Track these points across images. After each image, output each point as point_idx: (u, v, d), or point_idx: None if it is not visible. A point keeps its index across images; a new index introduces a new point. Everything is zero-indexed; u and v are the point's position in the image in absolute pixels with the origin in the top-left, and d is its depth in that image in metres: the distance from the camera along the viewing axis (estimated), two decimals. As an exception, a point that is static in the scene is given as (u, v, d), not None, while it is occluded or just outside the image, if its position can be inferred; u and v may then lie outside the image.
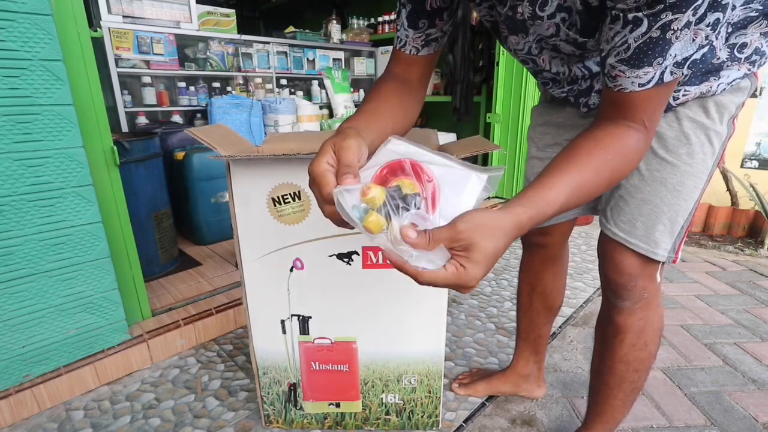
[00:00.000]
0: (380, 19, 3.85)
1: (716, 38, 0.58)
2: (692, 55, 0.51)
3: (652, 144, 0.73)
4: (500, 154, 2.97)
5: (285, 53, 3.38)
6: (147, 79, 2.74)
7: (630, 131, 0.56)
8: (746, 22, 0.64)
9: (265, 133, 2.92)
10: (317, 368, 1.05)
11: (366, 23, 3.94)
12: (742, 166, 2.59)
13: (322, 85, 3.57)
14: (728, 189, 2.56)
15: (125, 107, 2.60)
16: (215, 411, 1.20)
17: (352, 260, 0.96)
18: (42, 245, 1.13)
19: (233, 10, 3.04)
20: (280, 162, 0.87)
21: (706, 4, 0.46)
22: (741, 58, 0.66)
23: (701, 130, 0.71)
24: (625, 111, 0.56)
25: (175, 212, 2.01)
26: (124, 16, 2.51)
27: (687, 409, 1.20)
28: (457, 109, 3.10)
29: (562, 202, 0.54)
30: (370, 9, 4.07)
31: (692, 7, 0.46)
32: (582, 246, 2.42)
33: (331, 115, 3.55)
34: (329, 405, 1.10)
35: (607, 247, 0.82)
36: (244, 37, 3.10)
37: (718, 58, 0.66)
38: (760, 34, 0.64)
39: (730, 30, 0.65)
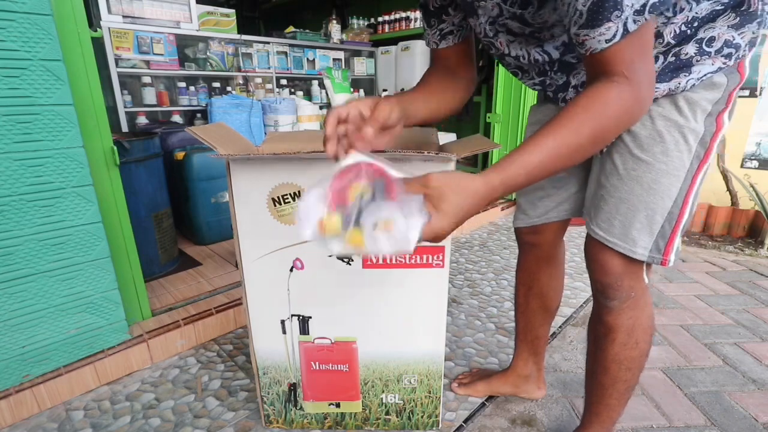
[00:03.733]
0: (380, 19, 3.85)
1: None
2: (639, 7, 0.53)
3: (627, 143, 0.74)
4: (500, 153, 2.97)
5: (285, 53, 3.38)
6: (147, 79, 2.74)
7: (608, 84, 0.57)
8: (714, 15, 0.64)
9: (265, 133, 2.92)
10: (317, 368, 1.05)
11: (366, 23, 3.94)
12: (742, 166, 2.59)
13: (322, 85, 3.57)
14: (728, 189, 2.56)
15: (125, 107, 2.60)
16: (215, 411, 1.20)
17: (352, 260, 0.96)
18: (42, 245, 1.13)
19: (233, 10, 3.04)
20: (280, 162, 0.87)
21: None
22: (711, 52, 0.65)
23: (675, 128, 0.71)
24: (603, 68, 0.58)
25: (175, 212, 2.01)
26: (124, 16, 2.51)
27: (687, 409, 1.20)
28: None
29: (536, 163, 0.57)
30: (370, 9, 4.07)
31: None
32: (582, 246, 2.42)
33: (331, 114, 3.54)
34: (329, 405, 1.10)
35: (591, 247, 0.83)
36: (244, 37, 3.10)
37: (687, 54, 0.66)
38: (728, 26, 0.64)
39: (696, 24, 0.65)
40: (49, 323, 1.19)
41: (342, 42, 3.76)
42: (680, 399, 1.24)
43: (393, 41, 3.67)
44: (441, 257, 0.95)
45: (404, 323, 1.01)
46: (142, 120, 2.70)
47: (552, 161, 0.58)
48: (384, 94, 3.77)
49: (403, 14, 3.66)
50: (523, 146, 0.58)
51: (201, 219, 2.16)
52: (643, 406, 1.21)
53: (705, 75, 0.67)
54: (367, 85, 3.99)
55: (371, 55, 3.94)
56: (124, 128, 2.60)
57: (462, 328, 1.61)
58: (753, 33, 0.64)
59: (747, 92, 2.49)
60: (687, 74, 0.67)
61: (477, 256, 2.31)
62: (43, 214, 1.12)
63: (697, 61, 0.66)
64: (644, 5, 0.53)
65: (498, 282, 1.99)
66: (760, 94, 2.46)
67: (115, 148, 1.28)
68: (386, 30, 3.81)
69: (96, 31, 2.39)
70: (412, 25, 3.62)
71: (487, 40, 0.78)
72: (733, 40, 0.64)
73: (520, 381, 1.20)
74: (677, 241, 0.77)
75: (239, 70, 3.15)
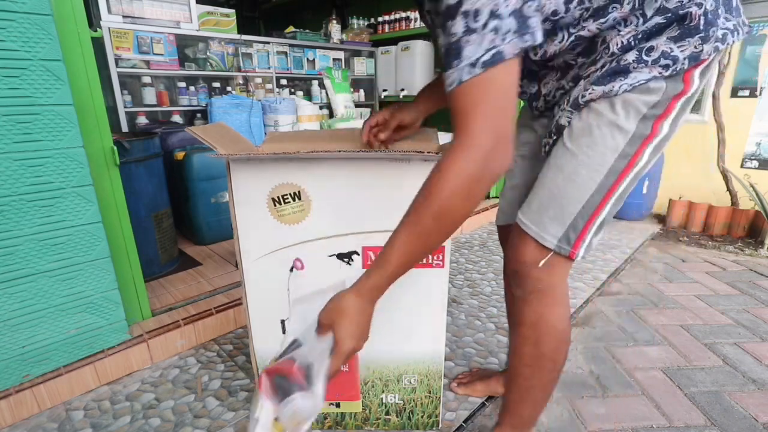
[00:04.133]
0: (380, 19, 3.84)
1: (503, 42, 0.56)
2: (482, 56, 0.56)
3: (563, 134, 0.75)
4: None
5: (285, 53, 3.38)
6: (147, 79, 2.74)
7: (451, 154, 0.59)
8: (660, 29, 0.66)
9: (265, 133, 2.92)
10: (317, 368, 1.05)
11: (366, 23, 3.93)
12: (742, 166, 2.59)
13: (322, 85, 3.57)
14: (728, 189, 2.57)
15: (125, 107, 2.60)
16: (215, 411, 1.20)
17: (352, 260, 0.96)
18: (42, 245, 1.13)
19: (233, 10, 3.04)
20: (280, 162, 0.87)
21: (484, 15, 0.54)
22: (648, 61, 0.66)
23: (605, 124, 0.70)
24: (452, 114, 0.60)
25: (175, 212, 2.01)
26: (124, 16, 2.51)
27: (687, 409, 1.20)
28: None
29: (395, 262, 0.63)
30: (370, 9, 4.07)
31: (464, 16, 0.55)
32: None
33: (331, 115, 3.55)
34: (329, 405, 1.10)
35: (512, 232, 0.83)
36: (244, 37, 3.10)
37: (626, 60, 0.67)
38: (667, 38, 0.65)
39: (642, 37, 0.67)
40: (49, 323, 1.19)
41: (342, 42, 3.76)
42: (680, 399, 1.24)
43: (393, 41, 3.67)
44: (441, 257, 0.95)
45: (404, 323, 1.01)
46: (142, 120, 2.70)
47: (408, 255, 0.63)
48: (384, 94, 3.77)
49: (403, 14, 3.65)
50: (385, 246, 0.65)
51: (201, 219, 2.16)
52: (643, 406, 1.21)
53: (638, 81, 0.67)
54: (367, 85, 3.99)
55: (371, 55, 3.93)
56: (124, 128, 2.60)
57: (462, 328, 1.61)
58: (695, 47, 0.64)
59: (747, 92, 2.49)
60: (622, 79, 0.68)
61: (477, 256, 2.31)
62: (43, 214, 1.12)
63: (634, 68, 0.67)
64: (477, 59, 0.56)
65: (498, 282, 1.99)
66: (760, 94, 2.46)
67: (115, 148, 1.28)
68: (386, 30, 3.81)
69: (96, 31, 2.39)
70: (412, 25, 3.61)
71: None
72: (671, 51, 0.65)
73: (519, 381, 1.20)
74: (589, 236, 0.76)
75: (239, 70, 3.14)
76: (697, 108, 2.68)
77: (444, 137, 1.24)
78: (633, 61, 0.67)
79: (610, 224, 0.77)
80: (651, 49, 0.66)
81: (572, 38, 0.70)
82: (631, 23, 0.67)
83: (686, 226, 2.72)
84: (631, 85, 0.67)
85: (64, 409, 1.21)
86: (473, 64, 0.56)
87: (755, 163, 2.56)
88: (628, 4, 0.65)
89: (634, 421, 1.16)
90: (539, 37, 0.58)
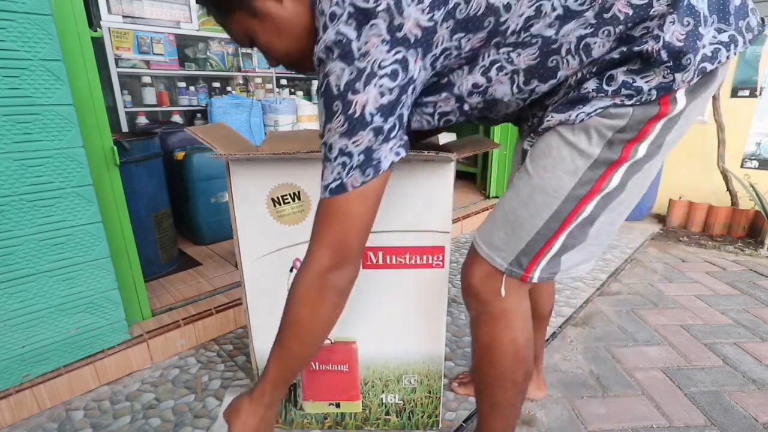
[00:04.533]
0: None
1: (346, 176, 0.61)
2: (330, 183, 0.61)
3: (526, 158, 0.72)
4: (499, 152, 2.97)
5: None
6: (147, 79, 2.74)
7: (300, 268, 0.67)
8: (614, 63, 0.61)
9: (265, 133, 2.92)
10: (317, 368, 1.05)
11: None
12: (742, 166, 2.59)
13: (322, 85, 3.57)
14: (728, 189, 2.57)
15: (125, 107, 2.61)
16: (215, 411, 1.20)
17: (352, 260, 0.96)
18: (42, 245, 1.13)
19: (233, 10, 3.04)
20: (280, 162, 0.87)
21: (335, 150, 0.60)
22: (608, 91, 0.61)
23: (565, 146, 0.66)
24: None
25: (175, 212, 2.01)
26: (124, 16, 2.51)
27: (687, 409, 1.20)
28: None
29: (274, 373, 0.70)
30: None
31: (324, 146, 0.62)
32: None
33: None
34: (329, 405, 1.10)
35: (468, 250, 0.82)
36: (244, 37, 3.10)
37: (585, 89, 0.63)
38: (628, 69, 0.60)
39: (595, 71, 0.63)
40: (49, 323, 1.19)
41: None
42: (680, 399, 1.24)
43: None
44: (441, 257, 0.95)
45: (404, 323, 1.01)
46: (142, 120, 2.70)
47: (281, 367, 0.71)
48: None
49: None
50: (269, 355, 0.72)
51: (201, 219, 2.16)
52: (643, 406, 1.21)
53: (596, 110, 0.63)
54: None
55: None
56: (124, 128, 2.61)
57: (462, 328, 1.61)
58: (663, 77, 0.59)
59: (747, 92, 2.49)
60: (581, 107, 0.64)
61: (477, 256, 2.30)
62: (43, 214, 1.12)
63: (593, 96, 0.63)
64: (327, 186, 0.62)
65: (498, 282, 1.98)
66: (760, 94, 2.46)
67: (115, 148, 1.28)
68: (386, 30, 3.81)
69: (96, 31, 2.39)
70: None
71: None
72: (633, 82, 0.60)
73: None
74: (544, 261, 0.72)
75: (239, 70, 3.15)
76: (701, 111, 2.68)
77: (444, 137, 1.24)
78: (593, 90, 0.62)
79: (581, 248, 0.72)
80: (611, 78, 0.61)
81: (529, 102, 0.71)
82: (579, 73, 0.64)
83: (686, 226, 2.72)
84: (588, 114, 0.63)
85: (64, 409, 1.21)
86: (325, 188, 0.62)
87: (755, 163, 2.56)
88: (573, 59, 0.62)
89: (634, 421, 1.16)
90: (384, 166, 0.61)
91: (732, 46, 0.59)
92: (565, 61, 0.63)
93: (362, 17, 0.56)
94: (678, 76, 0.58)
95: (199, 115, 3.01)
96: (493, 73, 0.66)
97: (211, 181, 2.12)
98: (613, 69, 0.61)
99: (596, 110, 0.63)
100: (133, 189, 1.68)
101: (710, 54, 0.58)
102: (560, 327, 1.60)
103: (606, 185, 0.66)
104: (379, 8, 0.56)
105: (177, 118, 2.92)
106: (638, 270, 2.13)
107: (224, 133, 0.93)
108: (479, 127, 3.23)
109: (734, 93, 2.53)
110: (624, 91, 0.61)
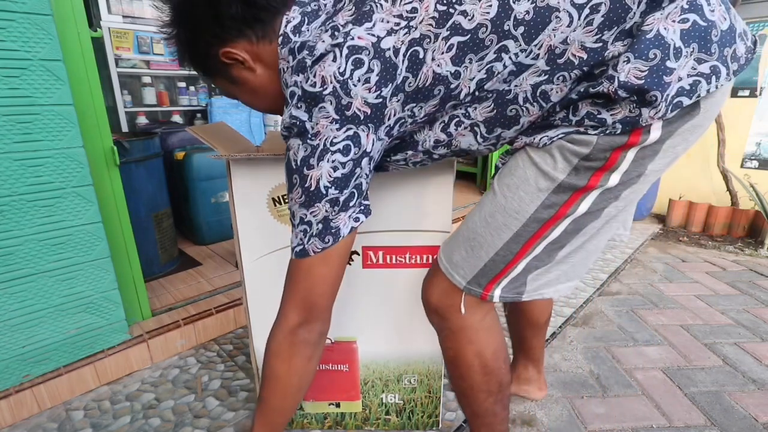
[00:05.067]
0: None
1: (307, 242, 0.66)
2: (295, 247, 0.66)
3: (495, 176, 0.72)
4: (500, 152, 2.96)
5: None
6: (147, 79, 2.74)
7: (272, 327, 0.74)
8: (574, 101, 0.59)
9: (265, 133, 2.92)
10: (317, 368, 1.05)
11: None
12: (742, 166, 2.59)
13: (322, 85, 3.57)
14: (728, 189, 2.57)
15: (125, 107, 2.60)
16: (215, 411, 1.20)
17: (352, 260, 0.96)
18: (42, 245, 1.13)
19: (233, 10, 3.03)
20: (281, 162, 0.87)
21: (297, 217, 0.65)
22: (573, 121, 0.60)
23: (531, 166, 0.64)
24: None
25: (175, 212, 2.01)
26: (124, 16, 2.51)
27: (687, 409, 1.20)
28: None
29: (260, 422, 0.74)
30: (370, 9, 4.06)
31: (289, 210, 0.67)
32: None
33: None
34: (329, 405, 1.10)
35: (431, 267, 0.81)
36: (244, 37, 3.09)
37: (553, 117, 0.62)
38: (593, 102, 0.58)
39: (558, 109, 0.62)
40: (49, 323, 1.19)
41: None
42: (680, 399, 1.24)
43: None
44: (441, 257, 0.95)
45: (404, 323, 1.01)
46: (142, 120, 2.70)
47: (266, 417, 0.74)
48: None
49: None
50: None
51: (201, 219, 2.16)
52: (643, 406, 1.21)
53: (560, 134, 0.61)
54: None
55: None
56: (124, 128, 2.61)
57: (462, 328, 1.61)
58: (630, 111, 0.55)
59: (747, 92, 2.49)
60: (546, 131, 0.62)
61: (477, 256, 2.30)
62: (43, 214, 1.12)
63: (558, 124, 0.62)
64: (293, 248, 0.67)
65: (498, 282, 1.98)
66: (760, 94, 2.46)
67: (115, 148, 1.28)
68: (386, 30, 3.81)
69: (96, 31, 2.39)
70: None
71: None
72: (598, 114, 0.57)
73: (521, 382, 1.20)
74: (505, 281, 0.71)
75: (239, 70, 3.14)
76: (696, 138, 2.68)
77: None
78: (560, 119, 0.61)
79: (549, 269, 0.70)
80: (576, 107, 0.59)
81: (498, 146, 0.71)
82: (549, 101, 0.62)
83: (686, 226, 2.72)
84: (551, 138, 0.61)
85: (64, 409, 1.21)
86: (291, 250, 0.67)
87: (755, 163, 2.56)
88: (533, 106, 0.61)
89: (634, 421, 1.16)
90: (344, 233, 0.65)
91: (713, 78, 0.53)
92: (524, 109, 0.62)
93: (311, 100, 0.59)
94: (645, 111, 0.55)
95: (199, 115, 3.01)
96: (452, 128, 0.67)
97: (211, 181, 2.12)
98: (579, 101, 0.59)
99: (559, 135, 0.61)
100: (133, 189, 1.68)
101: (688, 87, 0.53)
102: (560, 327, 1.60)
103: (572, 211, 0.64)
104: (326, 92, 0.58)
105: (177, 118, 2.92)
106: (638, 270, 2.13)
107: (225, 133, 0.93)
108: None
109: (734, 93, 2.53)
110: (587, 122, 0.59)
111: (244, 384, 1.30)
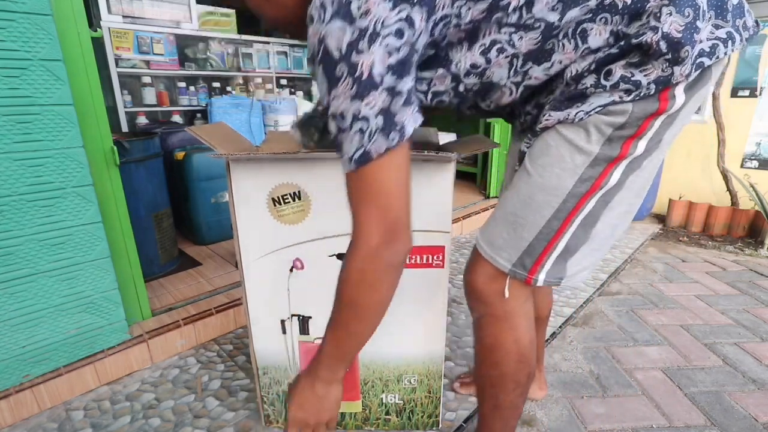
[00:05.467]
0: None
1: (369, 142, 0.56)
2: (353, 154, 0.56)
3: (525, 159, 0.71)
4: (499, 152, 2.97)
5: (285, 53, 3.39)
6: (147, 79, 2.74)
7: (348, 248, 0.62)
8: (614, 58, 0.60)
9: (265, 133, 2.92)
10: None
11: (366, 23, 3.93)
12: (742, 166, 2.59)
13: (322, 85, 3.57)
14: (728, 189, 2.57)
15: (125, 107, 2.61)
16: (215, 411, 1.20)
17: (352, 260, 0.96)
18: (42, 245, 1.13)
19: (233, 10, 3.04)
20: (280, 162, 0.87)
21: (348, 118, 0.55)
22: (606, 86, 0.61)
23: (564, 143, 0.65)
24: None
25: (175, 212, 2.01)
26: (124, 16, 2.51)
27: (687, 409, 1.20)
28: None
29: (330, 351, 0.68)
30: (370, 9, 4.06)
31: (332, 118, 0.57)
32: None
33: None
34: (329, 405, 1.09)
35: (472, 252, 0.81)
36: (244, 37, 3.10)
37: (583, 84, 0.62)
38: (627, 63, 0.59)
39: (594, 67, 0.62)
40: (49, 323, 1.19)
41: (342, 42, 3.75)
42: (680, 399, 1.24)
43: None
44: (441, 257, 0.95)
45: (404, 323, 1.01)
46: (142, 120, 2.70)
47: (339, 346, 0.68)
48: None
49: (403, 14, 3.66)
50: (324, 334, 0.69)
51: (201, 219, 2.16)
52: (643, 406, 1.21)
53: (596, 108, 0.62)
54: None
55: (371, 55, 3.93)
56: (124, 128, 2.61)
57: (462, 328, 1.61)
58: (662, 71, 0.58)
59: (747, 92, 2.49)
60: (579, 105, 0.63)
61: (477, 256, 2.30)
62: (43, 214, 1.12)
63: (592, 92, 0.62)
64: (351, 157, 0.56)
65: (498, 282, 1.98)
66: (760, 94, 2.46)
67: (115, 148, 1.28)
68: (386, 30, 3.81)
69: (96, 31, 2.39)
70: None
71: None
72: (632, 76, 0.59)
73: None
74: (549, 262, 0.71)
75: (239, 70, 3.15)
76: (697, 108, 2.68)
77: (444, 137, 1.24)
78: (591, 85, 0.61)
79: (586, 251, 0.72)
80: (609, 72, 0.60)
81: (522, 89, 0.68)
82: (578, 63, 0.63)
83: (686, 226, 2.72)
84: (587, 112, 0.62)
85: (64, 409, 1.21)
86: (349, 160, 0.57)
87: (755, 163, 2.56)
88: (569, 43, 0.60)
89: (634, 421, 1.16)
90: (409, 131, 0.57)
91: (729, 43, 0.58)
92: (561, 44, 0.61)
93: None
94: (676, 69, 0.57)
95: (199, 115, 3.01)
96: (492, 54, 0.64)
97: (211, 181, 2.12)
98: (611, 64, 0.60)
99: (595, 108, 0.62)
100: (133, 189, 1.68)
101: (708, 49, 0.58)
102: (560, 327, 1.60)
103: (605, 182, 0.65)
104: None
105: (177, 118, 2.92)
106: (638, 270, 2.13)
107: (224, 133, 0.93)
108: (479, 127, 3.23)
109: (734, 93, 2.53)
110: (622, 86, 0.60)
111: (244, 384, 1.30)
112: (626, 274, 2.09)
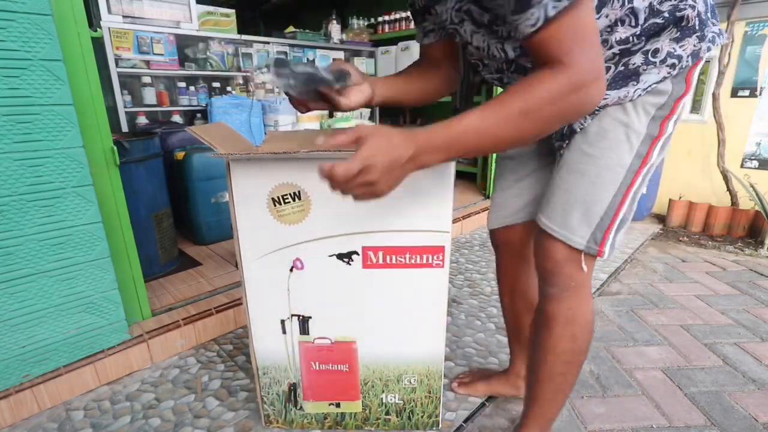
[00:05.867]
0: (380, 19, 3.84)
1: None
2: None
3: (577, 138, 0.79)
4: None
5: (285, 53, 3.38)
6: (147, 79, 2.74)
7: (542, 70, 0.60)
8: (658, 29, 0.69)
9: (265, 133, 2.92)
10: (317, 368, 1.05)
11: (366, 23, 3.93)
12: (742, 166, 2.59)
13: (322, 85, 3.56)
14: (728, 189, 2.56)
15: (125, 107, 2.60)
16: (215, 411, 1.20)
17: (352, 260, 0.96)
18: (42, 245, 1.13)
19: (233, 10, 3.04)
20: (280, 162, 0.87)
21: None
22: (656, 62, 0.70)
23: (620, 126, 0.75)
24: (540, 55, 0.60)
25: (175, 212, 2.01)
26: (124, 16, 2.51)
27: (687, 409, 1.20)
28: (457, 110, 3.10)
29: (461, 131, 0.60)
30: (370, 9, 4.07)
31: None
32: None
33: (331, 115, 3.54)
34: (329, 405, 1.10)
35: (538, 236, 0.86)
36: (244, 37, 3.10)
37: (634, 63, 0.71)
38: (670, 39, 0.69)
39: (645, 38, 0.69)
40: (49, 323, 1.19)
41: (342, 42, 3.76)
42: (680, 399, 1.24)
43: (393, 41, 3.67)
44: (441, 257, 0.95)
45: (404, 323, 1.01)
46: (142, 120, 2.70)
47: (477, 135, 0.60)
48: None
49: (403, 14, 3.66)
50: (453, 119, 0.61)
51: (201, 219, 2.16)
52: (643, 406, 1.21)
53: (651, 85, 0.72)
54: (367, 85, 3.98)
55: (371, 55, 3.93)
56: (124, 128, 2.60)
57: (462, 328, 1.61)
58: (694, 46, 0.69)
59: (747, 92, 2.49)
60: (635, 83, 0.72)
61: (477, 256, 2.31)
62: (43, 214, 1.12)
63: (644, 70, 0.71)
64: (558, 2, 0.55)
65: (498, 282, 1.98)
66: (760, 94, 2.46)
67: (115, 148, 1.28)
68: (386, 30, 3.81)
69: (96, 31, 2.39)
70: (412, 25, 3.61)
71: (452, 27, 0.80)
72: (675, 51, 0.69)
73: (520, 382, 1.20)
74: (613, 234, 0.80)
75: (239, 70, 3.15)
76: (697, 108, 2.68)
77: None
78: (641, 63, 0.70)
79: (628, 224, 0.81)
80: (656, 51, 0.70)
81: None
82: (624, 22, 0.68)
83: (686, 226, 2.72)
84: (644, 89, 0.72)
85: (64, 409, 1.21)
86: (554, 5, 0.55)
87: (755, 163, 2.56)
88: (617, 1, 0.66)
89: (634, 421, 1.16)
90: None
91: (720, 37, 0.71)
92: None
93: None
94: (703, 45, 0.69)
95: (199, 115, 3.01)
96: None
97: (211, 181, 2.12)
98: (653, 39, 0.69)
99: (649, 85, 0.71)
100: (133, 189, 1.68)
101: (710, 37, 0.70)
102: (560, 327, 1.60)
103: (651, 159, 0.76)
104: None
105: (177, 118, 2.92)
106: (638, 270, 2.13)
107: (224, 133, 0.93)
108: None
109: (734, 93, 2.53)
110: (669, 61, 0.70)
111: (244, 384, 1.30)
112: (626, 274, 2.09)
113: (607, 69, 0.72)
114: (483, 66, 0.86)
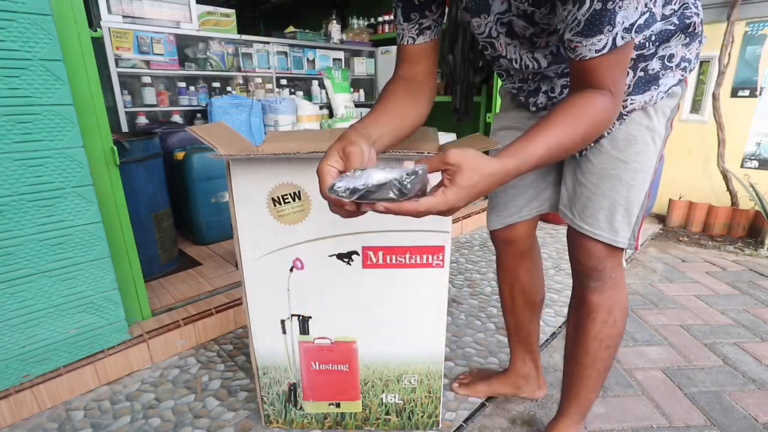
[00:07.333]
0: (380, 19, 3.85)
1: (654, 5, 0.68)
2: (636, 21, 0.59)
3: (605, 145, 0.83)
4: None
5: (285, 53, 3.38)
6: (147, 79, 2.74)
7: (597, 95, 0.64)
8: (668, 35, 0.74)
9: (265, 133, 2.92)
10: (317, 368, 1.05)
11: (366, 23, 3.94)
12: (742, 166, 2.59)
13: (322, 85, 3.57)
14: (728, 189, 2.56)
15: (125, 107, 2.60)
16: (215, 411, 1.20)
17: (352, 260, 0.96)
18: (42, 245, 1.13)
19: (233, 10, 3.04)
20: (280, 162, 0.87)
21: None
22: (672, 66, 0.77)
23: (646, 131, 0.80)
24: (591, 78, 0.63)
25: (175, 212, 2.01)
26: (124, 16, 2.51)
27: (687, 409, 1.20)
28: (457, 110, 3.10)
29: (541, 155, 0.61)
30: (370, 9, 4.07)
31: None
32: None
33: (331, 115, 3.55)
34: (329, 405, 1.10)
35: (577, 238, 0.90)
36: (244, 37, 3.10)
37: (653, 69, 0.76)
38: (681, 45, 0.76)
39: (657, 44, 0.74)
40: (49, 323, 1.19)
41: (342, 42, 3.76)
42: (680, 399, 1.24)
43: (393, 41, 3.66)
44: (441, 257, 0.95)
45: (404, 323, 1.01)
46: (142, 120, 2.70)
47: (551, 152, 0.62)
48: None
49: (403, 14, 3.65)
50: (529, 136, 0.61)
51: (201, 219, 2.16)
52: (643, 406, 1.21)
53: (669, 88, 0.78)
54: (367, 85, 3.99)
55: (371, 55, 3.94)
56: (124, 128, 2.60)
57: (462, 328, 1.61)
58: (697, 50, 0.77)
59: (747, 92, 2.49)
60: (656, 87, 0.77)
61: (477, 256, 2.31)
62: (43, 214, 1.12)
63: (663, 75, 0.77)
64: (632, 24, 0.59)
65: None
66: (760, 94, 2.46)
67: (115, 148, 1.28)
68: (386, 30, 3.81)
69: (96, 31, 2.39)
70: (412, 25, 3.61)
71: (487, 40, 0.81)
72: (686, 55, 0.77)
73: (520, 381, 1.20)
74: (640, 228, 0.89)
75: (239, 70, 3.15)
76: (697, 108, 2.68)
77: (444, 137, 1.24)
78: (660, 68, 0.76)
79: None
80: (672, 56, 0.76)
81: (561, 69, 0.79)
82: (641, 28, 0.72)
83: (686, 226, 2.72)
84: (664, 92, 0.78)
85: (64, 409, 1.21)
86: (628, 29, 0.59)
87: (755, 163, 2.56)
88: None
89: (634, 421, 1.16)
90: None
91: (704, 40, 0.78)
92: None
93: None
94: (701, 48, 0.77)
95: (199, 115, 3.01)
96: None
97: (211, 181, 2.12)
98: (665, 44, 0.75)
99: (668, 88, 0.77)
100: (133, 189, 1.68)
101: (701, 40, 0.77)
102: (560, 327, 1.60)
103: (662, 156, 0.84)
104: None
105: (177, 118, 2.92)
106: (638, 270, 2.13)
107: (224, 132, 0.93)
108: (479, 127, 3.23)
109: (734, 93, 2.53)
110: (682, 64, 0.77)
111: (244, 384, 1.30)
112: (626, 274, 2.08)
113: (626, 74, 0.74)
114: (507, 76, 0.90)
